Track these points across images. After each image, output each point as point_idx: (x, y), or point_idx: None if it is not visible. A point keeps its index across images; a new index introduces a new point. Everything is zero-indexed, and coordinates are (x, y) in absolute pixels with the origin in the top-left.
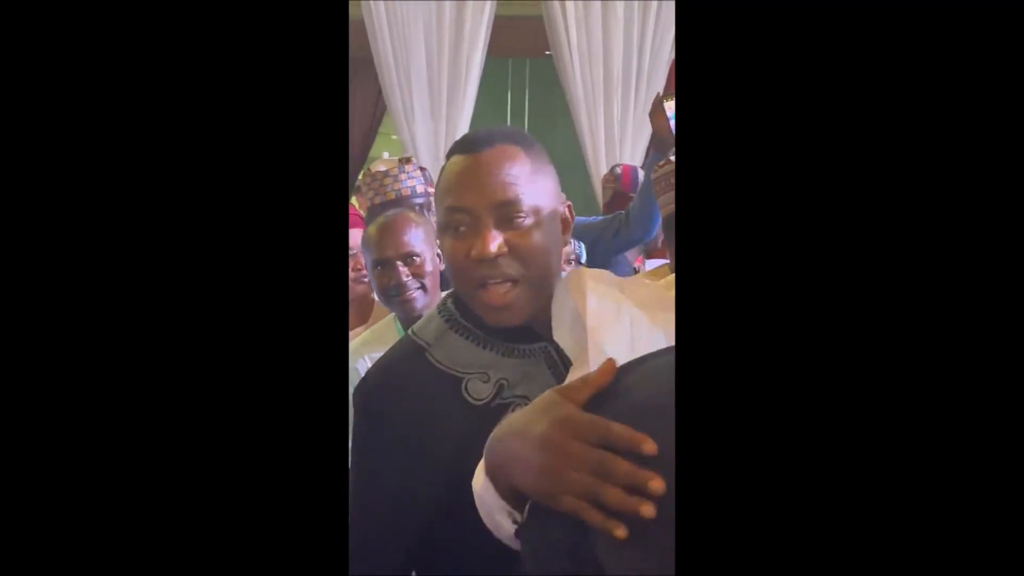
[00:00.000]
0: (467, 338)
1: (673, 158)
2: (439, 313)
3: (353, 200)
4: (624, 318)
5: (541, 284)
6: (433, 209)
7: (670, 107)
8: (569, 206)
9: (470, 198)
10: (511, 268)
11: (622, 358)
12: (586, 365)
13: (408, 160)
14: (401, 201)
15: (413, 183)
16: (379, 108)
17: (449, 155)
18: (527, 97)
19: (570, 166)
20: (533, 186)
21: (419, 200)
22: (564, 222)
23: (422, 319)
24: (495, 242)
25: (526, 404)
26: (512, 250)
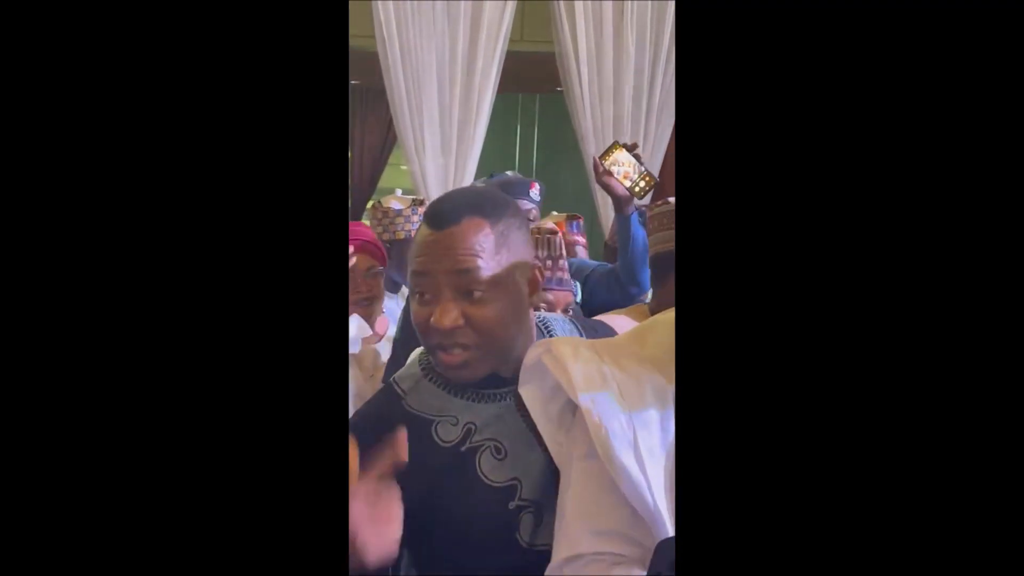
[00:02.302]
0: (438, 385)
1: (672, 199)
2: (418, 362)
3: (366, 219)
4: (612, 386)
5: (500, 349)
6: None
7: (619, 159)
8: (538, 268)
9: (432, 269)
10: (466, 338)
11: (620, 427)
12: (582, 439)
13: (421, 203)
14: (410, 242)
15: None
16: (390, 138)
17: (423, 222)
18: (536, 132)
19: (578, 201)
20: (496, 259)
21: None
22: (532, 283)
23: (405, 367)
24: (451, 315)
25: (498, 446)
26: (469, 322)
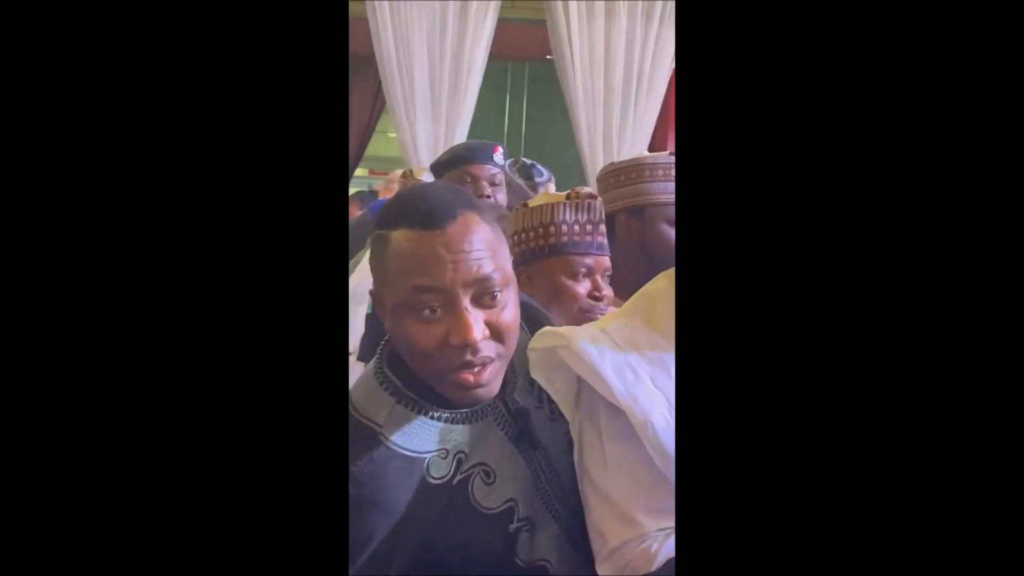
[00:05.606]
0: (417, 411)
1: (642, 154)
2: (380, 384)
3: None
4: (644, 377)
5: (510, 354)
6: None
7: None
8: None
9: (442, 277)
10: (490, 350)
11: (663, 419)
12: (612, 422)
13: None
14: None
15: None
16: (377, 106)
17: (392, 225)
18: (525, 100)
19: (567, 170)
20: (500, 255)
21: None
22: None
23: (357, 385)
24: (477, 326)
25: (487, 470)
26: (492, 331)
